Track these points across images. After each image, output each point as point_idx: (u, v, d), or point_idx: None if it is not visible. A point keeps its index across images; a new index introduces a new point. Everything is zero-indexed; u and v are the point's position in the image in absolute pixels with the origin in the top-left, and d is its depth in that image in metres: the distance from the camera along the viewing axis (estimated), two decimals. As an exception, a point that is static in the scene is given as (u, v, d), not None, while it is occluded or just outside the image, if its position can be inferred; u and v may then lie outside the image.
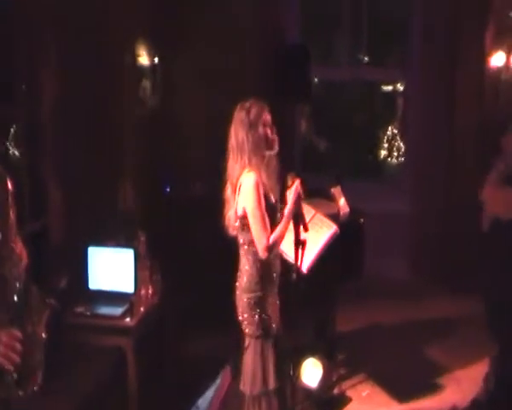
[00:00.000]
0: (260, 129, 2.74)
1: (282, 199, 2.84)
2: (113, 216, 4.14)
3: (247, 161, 2.74)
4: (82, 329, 3.37)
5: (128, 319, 3.36)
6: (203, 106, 5.14)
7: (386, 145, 8.27)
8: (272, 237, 2.69)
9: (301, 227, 2.74)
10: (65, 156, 3.92)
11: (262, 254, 2.71)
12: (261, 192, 2.71)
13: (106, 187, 4.25)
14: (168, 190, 4.79)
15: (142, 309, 3.48)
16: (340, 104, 7.61)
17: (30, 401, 2.84)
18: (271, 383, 2.77)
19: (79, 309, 3.42)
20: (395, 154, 8.22)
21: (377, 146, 8.21)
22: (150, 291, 3.61)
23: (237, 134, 2.75)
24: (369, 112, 8.09)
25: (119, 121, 4.38)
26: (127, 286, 3.52)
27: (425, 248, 5.81)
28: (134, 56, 4.59)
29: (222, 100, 5.08)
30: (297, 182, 2.77)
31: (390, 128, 8.24)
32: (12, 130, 3.66)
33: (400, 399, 3.89)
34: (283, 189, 2.84)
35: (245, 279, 2.79)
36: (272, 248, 2.71)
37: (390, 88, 8.09)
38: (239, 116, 2.76)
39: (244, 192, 2.72)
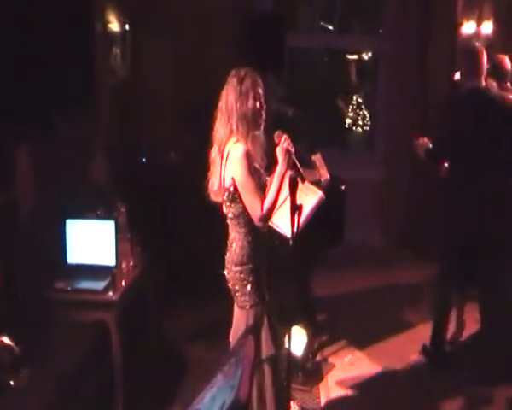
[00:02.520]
0: (250, 102, 2.66)
1: (272, 163, 2.77)
2: (86, 188, 4.01)
3: (234, 127, 2.67)
4: (63, 305, 3.27)
5: (111, 293, 3.28)
6: (175, 73, 5.04)
7: (351, 114, 8.32)
8: (266, 205, 2.64)
9: (297, 193, 2.68)
10: (34, 128, 3.76)
11: (257, 223, 2.67)
12: (250, 161, 2.66)
13: (77, 158, 4.11)
14: (144, 160, 4.68)
15: (123, 282, 3.40)
16: (306, 72, 7.60)
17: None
18: (265, 352, 2.77)
19: (59, 285, 3.32)
20: (360, 122, 8.29)
21: (343, 114, 8.25)
22: (131, 264, 3.53)
23: (228, 98, 2.69)
24: (334, 80, 8.11)
25: (89, 91, 4.21)
26: (108, 259, 3.43)
27: (395, 214, 5.89)
28: (104, 23, 4.41)
29: (194, 68, 5.04)
30: (284, 137, 2.68)
31: (355, 97, 8.28)
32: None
33: (381, 363, 3.96)
34: (272, 149, 2.74)
35: (235, 252, 2.74)
36: (267, 215, 2.66)
37: (355, 57, 8.11)
38: (232, 82, 2.70)
39: (232, 162, 2.65)
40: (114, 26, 4.43)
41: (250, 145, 2.70)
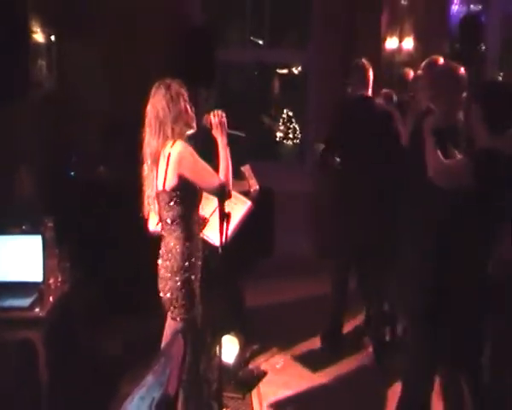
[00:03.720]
0: (182, 103, 2.74)
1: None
2: (11, 203, 3.90)
3: (169, 132, 2.71)
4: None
5: (37, 310, 3.19)
6: (102, 86, 5.00)
7: (282, 127, 8.45)
8: (221, 173, 2.72)
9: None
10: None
11: (220, 192, 2.71)
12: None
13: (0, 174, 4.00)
14: (72, 174, 4.60)
15: (51, 299, 3.32)
16: (237, 86, 7.68)
17: None
18: (201, 367, 2.77)
19: (-20, 304, 3.21)
20: (291, 136, 8.43)
21: (271, 130, 8.36)
22: (59, 279, 3.45)
23: (157, 109, 2.73)
24: (265, 94, 8.22)
25: (13, 103, 4.12)
26: (34, 275, 3.34)
27: (324, 225, 6.02)
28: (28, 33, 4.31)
29: (122, 80, 5.01)
30: (212, 114, 2.80)
31: (285, 111, 8.42)
32: None
33: (312, 368, 4.05)
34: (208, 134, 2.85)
35: (177, 259, 2.74)
36: (227, 182, 2.72)
37: (285, 71, 8.27)
38: (159, 92, 2.75)
39: (178, 159, 2.68)
40: (39, 36, 4.33)
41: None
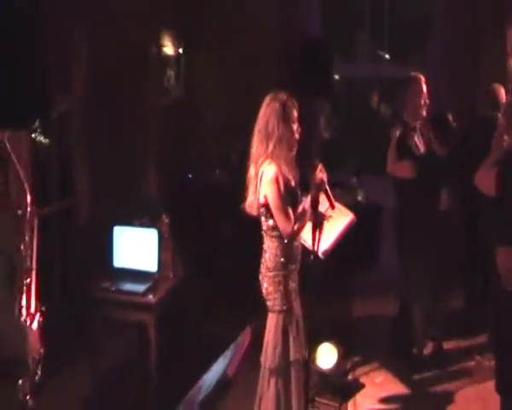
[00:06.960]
0: (291, 125, 2.83)
1: (304, 185, 2.93)
2: (137, 199, 4.28)
3: (270, 149, 2.81)
4: (107, 303, 3.53)
5: (151, 296, 3.49)
6: (224, 96, 5.28)
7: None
8: (297, 224, 2.81)
9: (319, 210, 2.83)
10: (92, 143, 4.08)
11: (286, 239, 2.84)
12: (281, 183, 2.82)
13: (131, 172, 4.40)
14: (190, 176, 4.92)
15: (163, 288, 3.61)
16: (362, 101, 7.70)
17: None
18: (292, 355, 2.89)
19: (105, 284, 3.57)
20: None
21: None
22: (172, 272, 3.73)
23: (268, 121, 2.82)
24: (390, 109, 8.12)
25: (144, 109, 4.51)
26: (150, 265, 3.65)
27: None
28: (159, 47, 4.71)
29: (242, 91, 5.27)
30: (319, 167, 2.84)
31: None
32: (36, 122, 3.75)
33: (411, 387, 3.97)
34: (308, 175, 2.90)
35: (269, 259, 2.91)
36: (297, 233, 2.83)
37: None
38: (273, 106, 2.83)
39: (265, 183, 2.82)
40: (169, 49, 4.69)
41: (284, 166, 2.85)
